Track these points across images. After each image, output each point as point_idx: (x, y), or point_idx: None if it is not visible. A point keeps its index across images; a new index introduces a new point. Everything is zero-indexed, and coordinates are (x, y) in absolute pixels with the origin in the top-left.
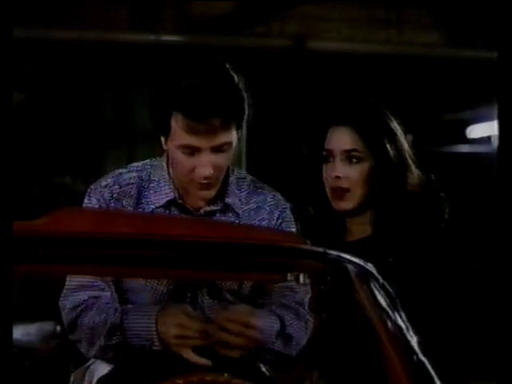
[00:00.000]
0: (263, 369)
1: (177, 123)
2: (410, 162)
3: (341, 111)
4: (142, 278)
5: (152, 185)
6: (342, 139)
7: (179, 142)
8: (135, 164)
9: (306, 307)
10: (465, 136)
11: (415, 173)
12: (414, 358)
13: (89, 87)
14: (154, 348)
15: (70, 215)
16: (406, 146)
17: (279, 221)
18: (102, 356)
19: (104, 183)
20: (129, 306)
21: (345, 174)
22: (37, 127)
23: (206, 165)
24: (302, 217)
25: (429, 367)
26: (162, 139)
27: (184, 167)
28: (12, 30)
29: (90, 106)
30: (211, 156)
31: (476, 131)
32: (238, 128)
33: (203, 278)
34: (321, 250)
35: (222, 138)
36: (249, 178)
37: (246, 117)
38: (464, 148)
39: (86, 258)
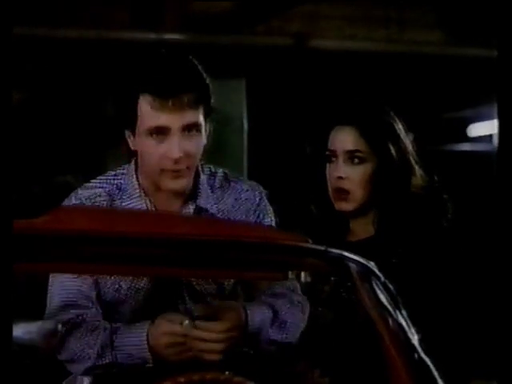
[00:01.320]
0: (264, 367)
1: (144, 105)
2: (413, 163)
3: (344, 111)
4: (144, 277)
5: (123, 195)
6: (345, 139)
7: (148, 125)
8: (106, 175)
9: (299, 291)
10: (466, 134)
11: (418, 174)
12: (416, 356)
13: (90, 86)
14: (148, 366)
15: (71, 214)
16: (409, 147)
17: (257, 212)
18: (91, 374)
19: (75, 198)
20: (118, 324)
21: (347, 174)
22: (38, 126)
23: (175, 147)
24: (305, 217)
25: (430, 365)
26: (129, 137)
27: (153, 155)
28: (12, 30)
29: (91, 104)
30: (181, 139)
31: (477, 129)
32: (206, 115)
33: (203, 277)
34: (322, 248)
35: (191, 117)
36: (220, 172)
37: (211, 105)
38: (465, 146)
39: (86, 257)
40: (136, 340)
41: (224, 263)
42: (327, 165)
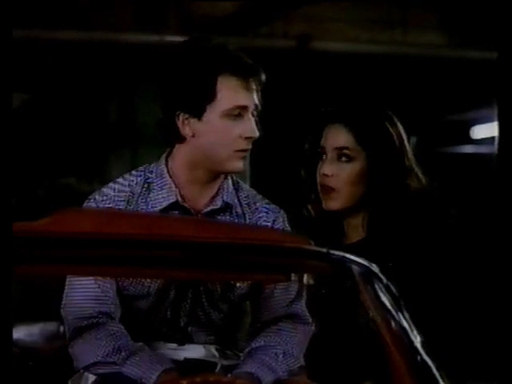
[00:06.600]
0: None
1: (224, 85)
2: (410, 166)
3: (336, 109)
4: (146, 279)
5: (154, 187)
6: (334, 137)
7: (230, 105)
8: (132, 172)
9: (306, 312)
10: (469, 136)
11: (416, 178)
12: (418, 358)
13: (93, 88)
14: None
15: (74, 216)
16: (407, 151)
17: (278, 220)
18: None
19: (104, 192)
20: (139, 344)
21: (333, 172)
22: (41, 128)
23: (252, 125)
24: (300, 221)
25: (432, 367)
26: (187, 122)
27: (229, 136)
28: (12, 31)
29: (95, 106)
30: (252, 119)
31: (480, 131)
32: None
33: (206, 279)
34: (324, 250)
35: (258, 99)
36: (245, 185)
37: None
38: (468, 149)
39: (89, 259)
40: (146, 375)
41: (228, 265)
42: (320, 162)
